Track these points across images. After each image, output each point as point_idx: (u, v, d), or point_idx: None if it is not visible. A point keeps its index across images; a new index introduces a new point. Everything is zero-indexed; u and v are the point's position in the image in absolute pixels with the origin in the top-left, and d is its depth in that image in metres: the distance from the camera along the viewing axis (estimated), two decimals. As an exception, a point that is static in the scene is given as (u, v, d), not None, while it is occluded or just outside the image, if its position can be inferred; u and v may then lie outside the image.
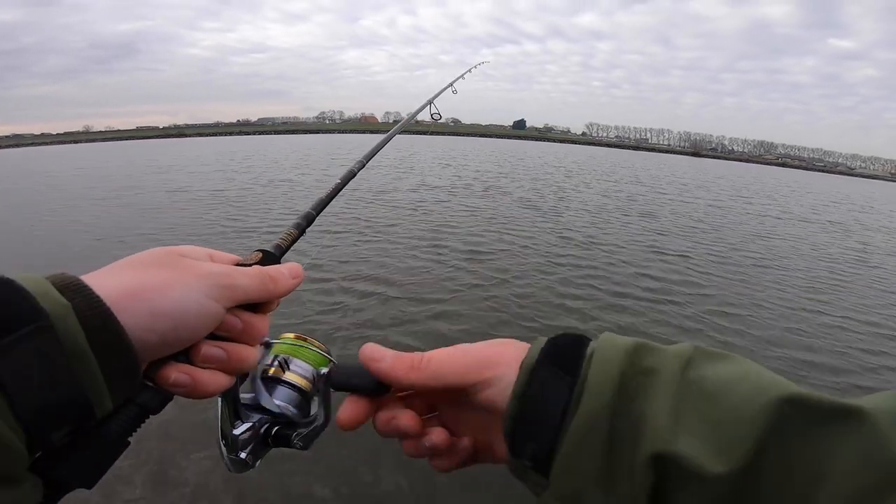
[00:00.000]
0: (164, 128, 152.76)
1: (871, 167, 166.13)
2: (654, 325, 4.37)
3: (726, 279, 6.03)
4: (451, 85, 1.60)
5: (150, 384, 0.31)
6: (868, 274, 7.25)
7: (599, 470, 0.30)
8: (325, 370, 0.43)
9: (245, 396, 0.43)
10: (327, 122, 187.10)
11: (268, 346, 0.44)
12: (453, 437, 0.38)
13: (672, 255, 6.95)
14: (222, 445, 0.40)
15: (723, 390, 0.29)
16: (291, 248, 0.48)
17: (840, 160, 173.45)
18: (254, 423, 0.42)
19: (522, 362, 0.34)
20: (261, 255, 0.40)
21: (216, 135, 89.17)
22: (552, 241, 7.15)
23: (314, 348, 0.47)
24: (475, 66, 2.05)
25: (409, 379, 0.35)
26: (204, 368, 0.34)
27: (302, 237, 0.49)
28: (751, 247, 8.27)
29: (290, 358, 0.46)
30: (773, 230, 10.45)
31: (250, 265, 0.39)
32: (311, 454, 2.52)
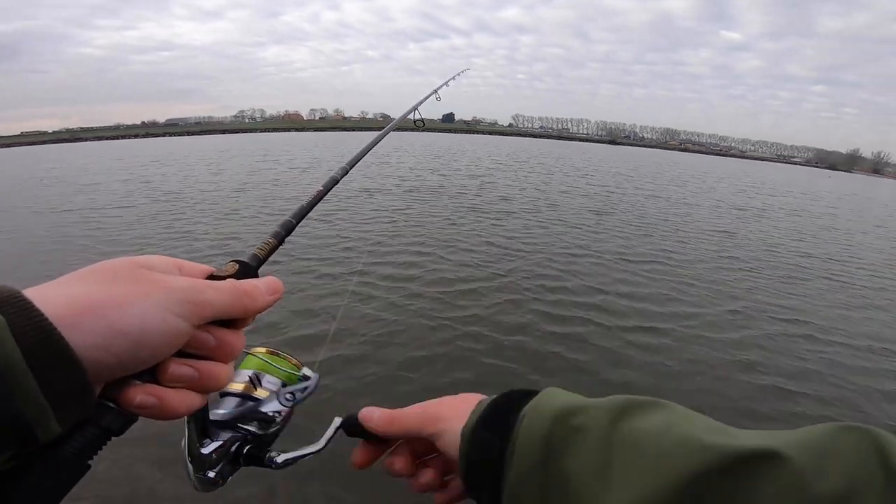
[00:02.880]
0: (54, 132, 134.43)
1: (760, 150, 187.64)
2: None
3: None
4: (435, 92, 1.67)
5: (111, 404, 0.29)
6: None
7: None
8: (303, 385, 0.47)
9: (214, 413, 0.42)
10: (247, 120, 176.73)
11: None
12: (447, 476, 0.45)
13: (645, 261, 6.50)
14: (189, 463, 0.39)
15: (649, 441, 0.31)
16: (269, 260, 0.46)
17: (733, 144, 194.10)
18: (223, 441, 0.41)
19: (464, 426, 0.39)
20: (237, 266, 0.38)
21: (118, 138, 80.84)
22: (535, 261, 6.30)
23: (286, 363, 0.47)
24: (458, 74, 2.15)
25: (389, 431, 0.43)
26: (172, 388, 0.31)
27: (281, 247, 0.48)
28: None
29: (262, 374, 0.45)
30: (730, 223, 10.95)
31: (224, 277, 0.36)
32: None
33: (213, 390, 0.35)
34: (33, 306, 0.25)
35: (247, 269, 0.38)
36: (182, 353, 0.31)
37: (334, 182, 0.64)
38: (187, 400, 0.32)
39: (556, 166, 22.70)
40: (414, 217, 8.52)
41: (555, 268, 5.84)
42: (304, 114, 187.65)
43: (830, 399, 3.49)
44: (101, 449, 0.29)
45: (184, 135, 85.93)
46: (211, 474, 0.40)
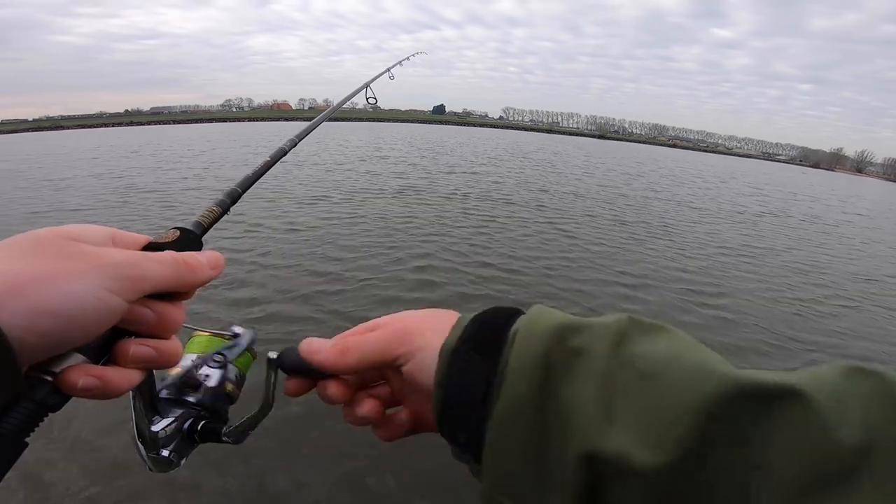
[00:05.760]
0: (35, 120, 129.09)
1: (746, 147, 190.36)
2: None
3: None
4: (388, 70, 1.62)
5: (47, 377, 0.27)
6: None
7: (529, 465, 0.28)
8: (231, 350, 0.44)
9: (163, 389, 0.41)
10: (234, 109, 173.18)
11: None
12: (393, 407, 0.39)
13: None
14: (139, 443, 0.37)
15: (659, 371, 0.27)
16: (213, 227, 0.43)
17: (720, 141, 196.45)
18: (175, 417, 0.39)
19: (443, 346, 0.33)
20: (178, 233, 0.36)
21: (101, 126, 78.52)
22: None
23: (216, 338, 0.45)
24: (413, 55, 2.11)
25: (342, 365, 0.36)
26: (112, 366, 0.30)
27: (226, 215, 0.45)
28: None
29: (204, 356, 0.44)
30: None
31: (164, 246, 0.34)
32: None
33: (168, 367, 0.34)
34: None
35: (189, 238, 0.36)
36: (117, 329, 0.29)
37: (282, 153, 0.64)
38: (130, 377, 0.29)
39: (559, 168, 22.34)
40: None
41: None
42: (293, 104, 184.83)
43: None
44: (37, 425, 0.27)
45: (170, 123, 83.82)
46: (165, 453, 0.38)
